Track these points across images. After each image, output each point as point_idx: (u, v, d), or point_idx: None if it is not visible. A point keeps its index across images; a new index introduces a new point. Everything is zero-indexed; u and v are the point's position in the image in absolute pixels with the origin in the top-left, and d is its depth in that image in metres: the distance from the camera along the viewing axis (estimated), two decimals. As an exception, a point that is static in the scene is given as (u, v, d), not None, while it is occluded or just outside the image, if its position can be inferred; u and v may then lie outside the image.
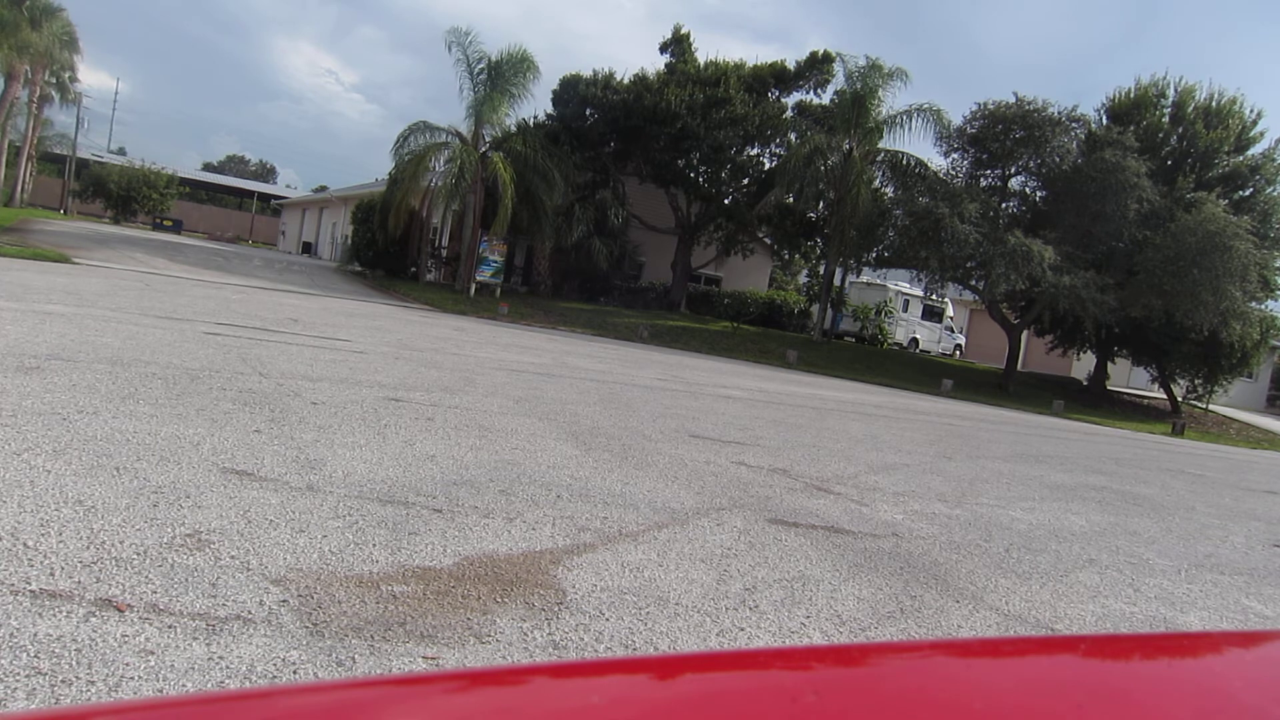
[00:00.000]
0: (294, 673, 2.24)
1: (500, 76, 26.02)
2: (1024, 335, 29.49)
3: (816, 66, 31.09)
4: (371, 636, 2.49)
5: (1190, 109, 26.48)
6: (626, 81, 29.76)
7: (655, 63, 33.78)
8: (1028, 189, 27.40)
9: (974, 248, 22.92)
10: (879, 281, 33.54)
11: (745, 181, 31.88)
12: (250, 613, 2.52)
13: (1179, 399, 29.08)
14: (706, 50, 36.39)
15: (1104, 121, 27.13)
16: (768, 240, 34.64)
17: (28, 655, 2.08)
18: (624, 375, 12.04)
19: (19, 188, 39.42)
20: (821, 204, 29.56)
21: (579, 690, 0.68)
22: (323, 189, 64.70)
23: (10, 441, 3.81)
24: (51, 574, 2.55)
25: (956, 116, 26.79)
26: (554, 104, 30.69)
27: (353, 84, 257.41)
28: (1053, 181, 25.25)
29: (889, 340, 32.71)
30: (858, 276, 32.74)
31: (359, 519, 3.55)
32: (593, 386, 9.93)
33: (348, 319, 13.98)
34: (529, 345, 14.79)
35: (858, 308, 31.66)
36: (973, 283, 25.81)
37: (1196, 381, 27.95)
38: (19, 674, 2.00)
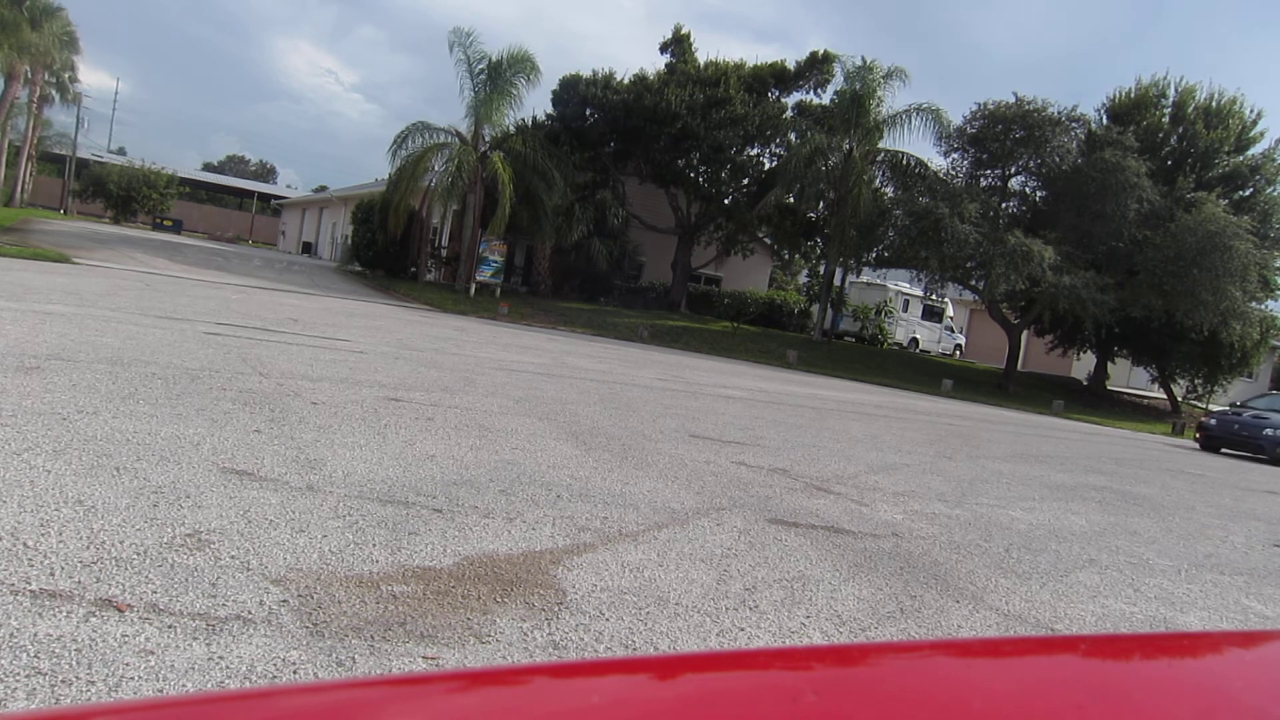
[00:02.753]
0: (294, 673, 2.24)
1: (500, 77, 26.02)
2: (1024, 335, 29.52)
3: (816, 66, 31.10)
4: (371, 636, 2.49)
5: (1190, 109, 26.50)
6: (626, 82, 29.77)
7: (655, 63, 33.89)
8: (1028, 189, 27.43)
9: (974, 248, 22.93)
10: (879, 281, 33.55)
11: (745, 181, 31.88)
12: (250, 613, 2.52)
13: (1179, 399, 29.08)
14: (706, 50, 36.44)
15: (1104, 121, 27.15)
16: (768, 240, 34.64)
17: (28, 655, 2.08)
18: (624, 375, 12.04)
19: (19, 188, 39.42)
20: (821, 204, 29.57)
21: (579, 690, 0.68)
22: (323, 189, 64.72)
23: (10, 441, 3.81)
24: (51, 574, 2.55)
25: (956, 116, 26.84)
26: (554, 104, 30.70)
27: (352, 84, 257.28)
28: (1053, 181, 25.26)
29: (889, 340, 32.71)
30: (858, 276, 32.75)
31: (359, 519, 3.55)
32: (593, 386, 9.93)
33: (348, 319, 13.98)
34: (529, 345, 14.79)
35: (858, 308, 31.66)
36: (973, 283, 25.81)
37: (1196, 381, 27.97)
38: (19, 674, 2.00)
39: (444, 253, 29.10)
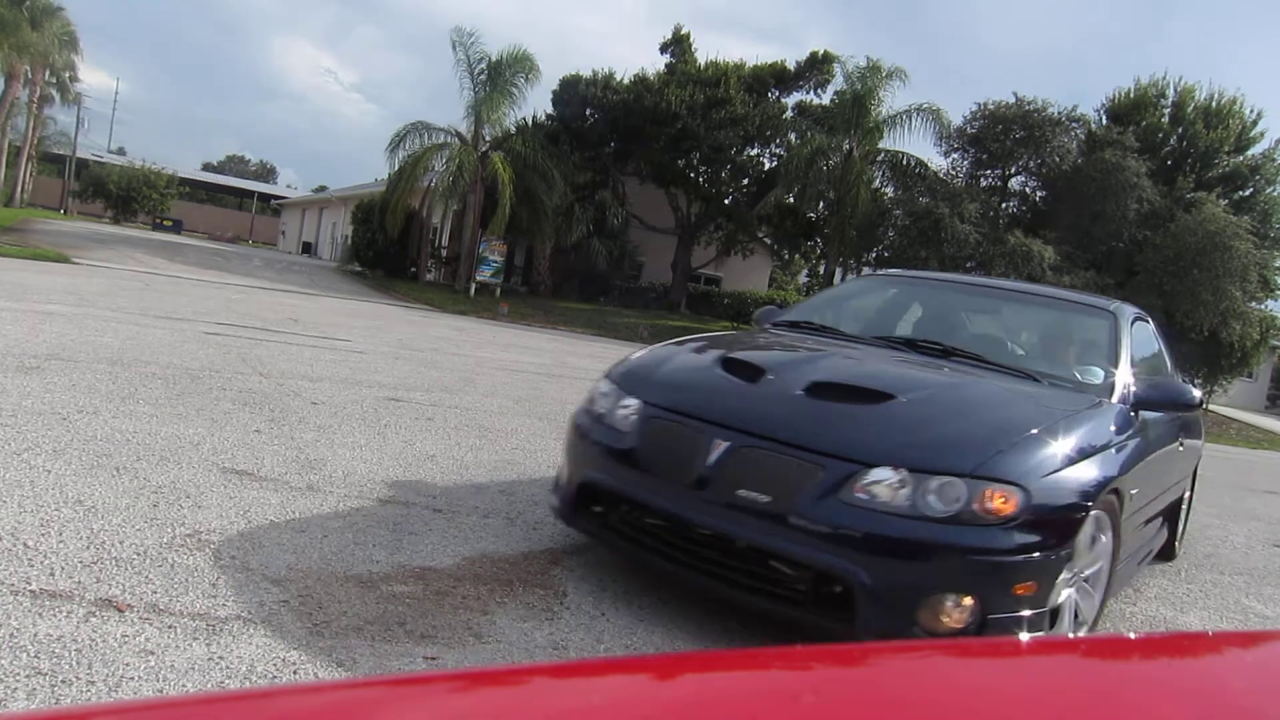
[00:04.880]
0: (294, 673, 2.24)
1: (500, 76, 25.99)
2: (1024, 335, 29.49)
3: (816, 67, 31.08)
4: (371, 636, 2.49)
5: (1190, 109, 26.49)
6: (626, 82, 29.74)
7: (655, 63, 33.72)
8: (1028, 189, 27.42)
9: (974, 248, 22.94)
10: (879, 281, 33.53)
11: (745, 182, 31.87)
12: (250, 613, 2.52)
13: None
14: (707, 50, 36.42)
15: (1104, 121, 27.13)
16: (768, 240, 34.64)
17: (28, 655, 2.08)
18: (624, 375, 12.02)
19: (19, 188, 39.40)
20: (821, 204, 29.57)
21: (579, 690, 0.68)
22: (323, 189, 64.67)
23: (10, 441, 3.81)
24: (51, 574, 2.55)
25: (957, 116, 26.80)
26: (554, 104, 30.67)
27: (352, 83, 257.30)
28: (1053, 181, 25.26)
29: (889, 340, 32.69)
30: (857, 276, 32.76)
31: (359, 519, 3.55)
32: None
33: (348, 319, 13.98)
34: (529, 345, 14.79)
35: (858, 308, 31.65)
36: (973, 283, 25.79)
37: (1196, 381, 27.94)
38: (19, 674, 2.00)
39: (444, 253, 29.08)
